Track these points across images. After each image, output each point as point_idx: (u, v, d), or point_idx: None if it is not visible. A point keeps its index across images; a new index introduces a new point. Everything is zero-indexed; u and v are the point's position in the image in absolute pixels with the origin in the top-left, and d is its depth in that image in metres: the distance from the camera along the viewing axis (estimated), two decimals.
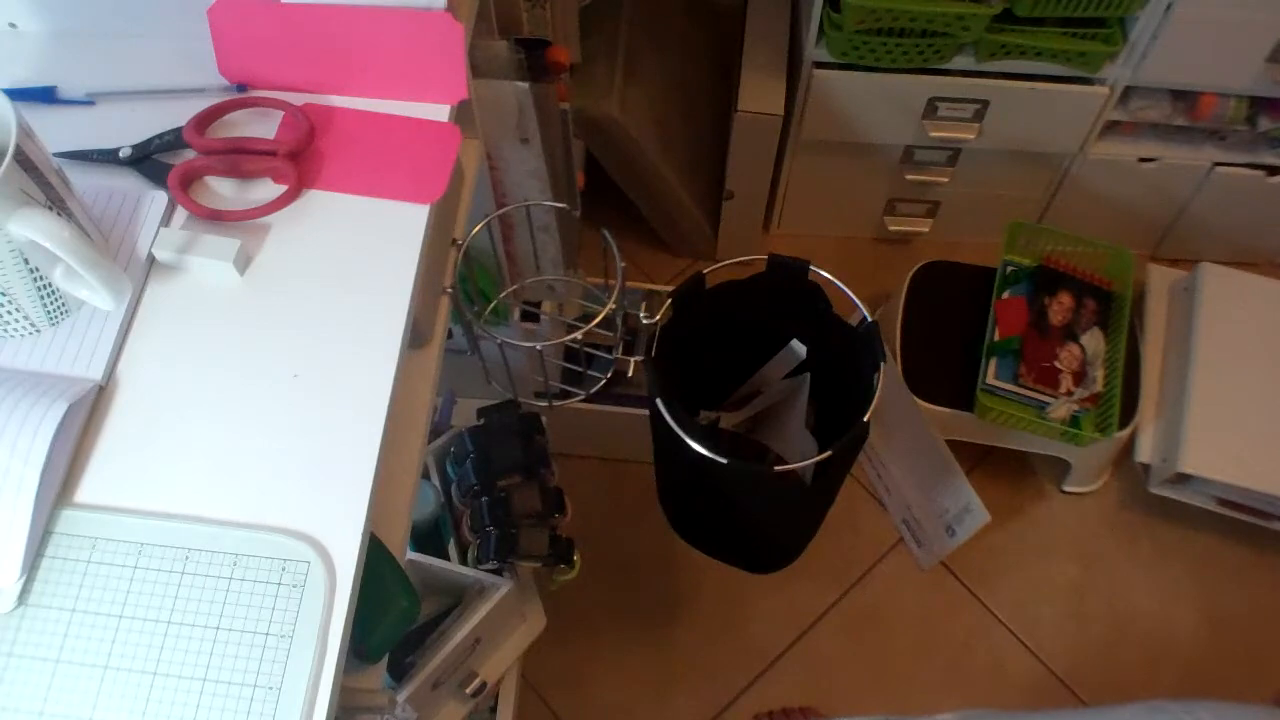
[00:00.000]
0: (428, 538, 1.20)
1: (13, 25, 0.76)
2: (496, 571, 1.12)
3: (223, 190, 0.70)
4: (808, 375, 1.02)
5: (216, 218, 0.68)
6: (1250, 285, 1.56)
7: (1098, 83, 1.45)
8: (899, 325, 1.52)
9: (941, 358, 1.49)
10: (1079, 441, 1.42)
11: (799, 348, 1.01)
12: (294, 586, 0.56)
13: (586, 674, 1.45)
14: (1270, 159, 1.57)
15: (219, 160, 0.70)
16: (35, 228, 0.56)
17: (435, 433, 1.22)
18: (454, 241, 0.85)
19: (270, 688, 0.53)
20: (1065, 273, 1.50)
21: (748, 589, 1.50)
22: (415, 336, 0.78)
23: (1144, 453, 1.51)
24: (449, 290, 0.84)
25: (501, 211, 1.05)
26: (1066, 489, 1.60)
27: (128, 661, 0.54)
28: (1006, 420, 1.41)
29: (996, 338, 1.44)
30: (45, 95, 0.73)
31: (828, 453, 0.87)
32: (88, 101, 0.73)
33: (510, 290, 1.18)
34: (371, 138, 0.72)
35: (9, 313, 0.61)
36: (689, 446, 0.86)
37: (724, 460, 0.85)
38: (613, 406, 1.44)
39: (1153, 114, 1.51)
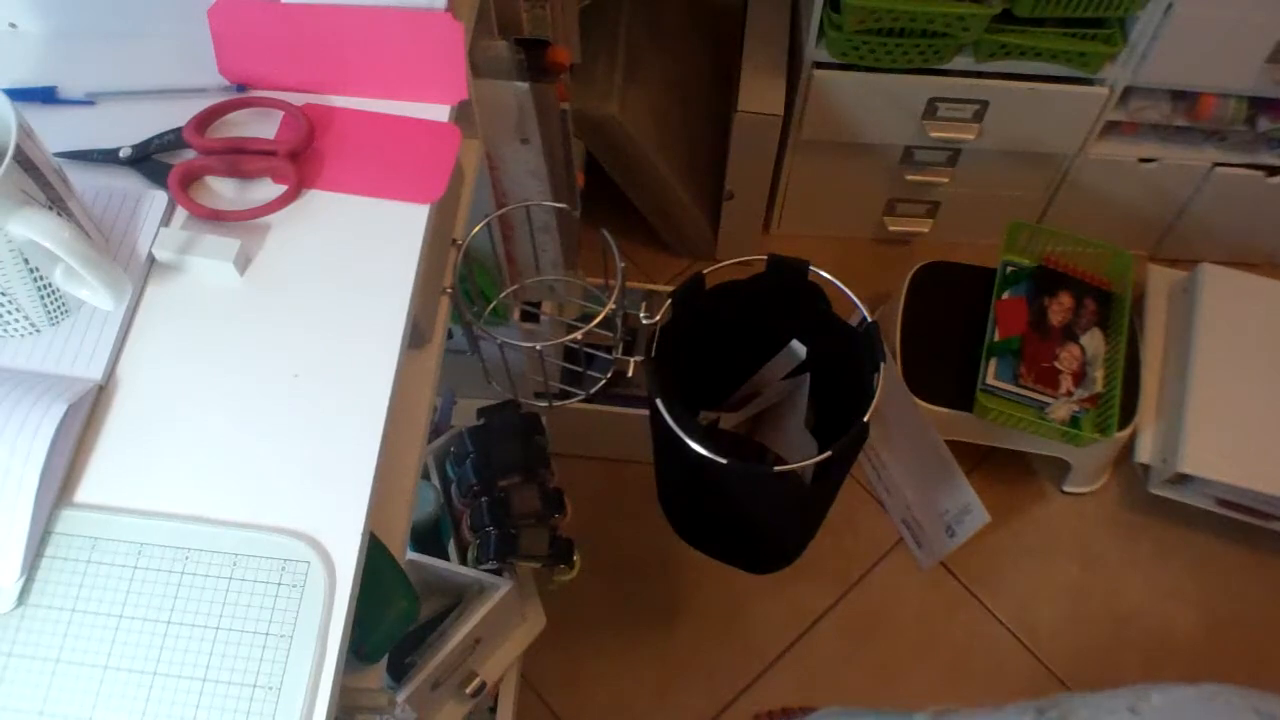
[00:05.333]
0: (428, 538, 1.20)
1: (13, 25, 0.76)
2: (496, 571, 1.12)
3: (223, 190, 0.70)
4: (808, 375, 1.02)
5: (216, 218, 0.68)
6: (1250, 285, 1.56)
7: (1098, 83, 1.45)
8: (899, 325, 1.52)
9: (941, 358, 1.49)
10: (1079, 442, 1.43)
11: (799, 348, 1.01)
12: (294, 586, 0.56)
13: (586, 674, 1.45)
14: (1270, 159, 1.57)
15: (219, 160, 0.70)
16: (35, 228, 0.56)
17: (435, 433, 1.22)
18: (454, 241, 0.85)
19: (270, 688, 0.53)
20: (1065, 273, 1.50)
21: (748, 589, 1.50)
22: (415, 336, 0.78)
23: (1144, 453, 1.51)
24: (449, 290, 0.84)
25: (501, 211, 1.05)
26: (1066, 489, 1.60)
27: (128, 661, 0.54)
28: (1006, 420, 1.41)
29: (996, 338, 1.44)
30: (45, 95, 0.73)
31: (828, 453, 0.87)
32: (88, 101, 0.73)
33: (510, 290, 1.18)
34: (371, 138, 0.72)
35: (9, 313, 0.61)
36: (689, 447, 0.86)
37: (724, 460, 0.85)
38: (613, 406, 1.44)
39: (1153, 114, 1.51)
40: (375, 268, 0.66)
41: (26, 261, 0.59)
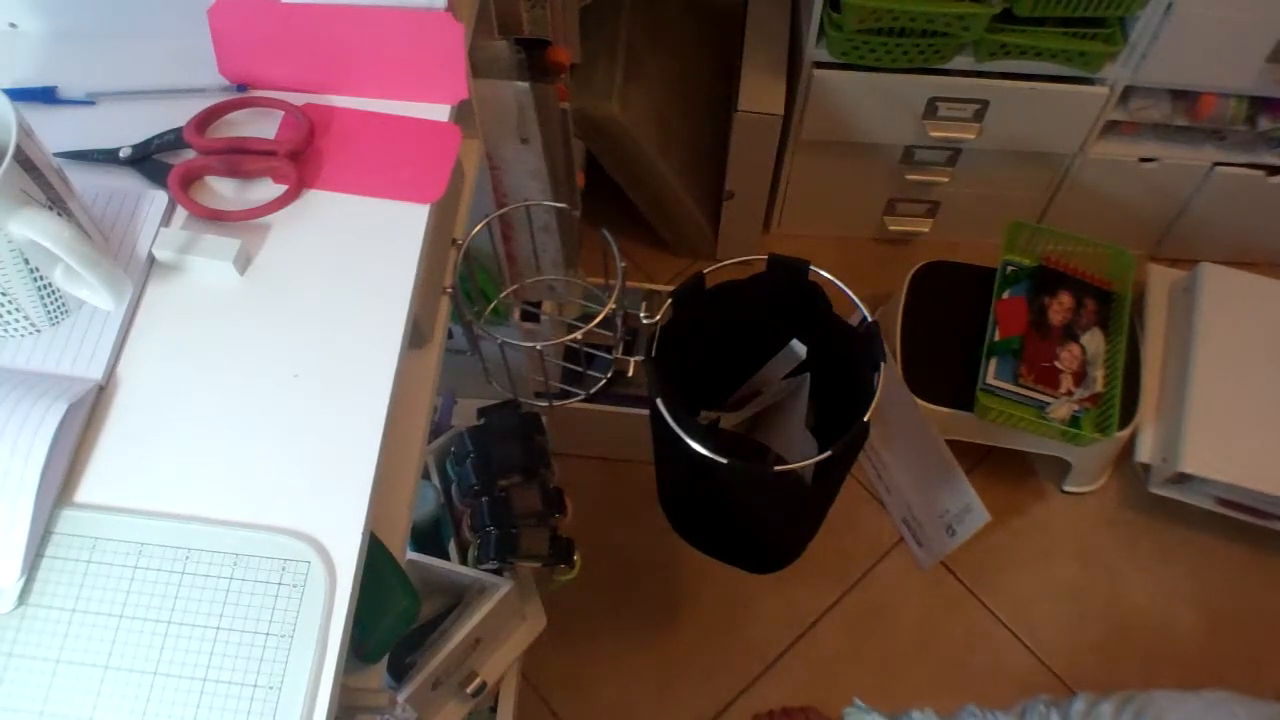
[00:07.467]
0: (428, 538, 1.20)
1: (13, 25, 0.76)
2: (496, 571, 1.12)
3: (223, 190, 0.70)
4: (808, 375, 1.02)
5: (216, 218, 0.68)
6: (1250, 285, 1.56)
7: (1098, 83, 1.45)
8: (899, 325, 1.52)
9: (941, 358, 1.49)
10: (1079, 441, 1.42)
11: (799, 348, 1.01)
12: (294, 586, 0.56)
13: (586, 674, 1.45)
14: (1270, 159, 1.57)
15: (219, 160, 0.70)
16: (36, 228, 0.56)
17: (435, 433, 1.22)
18: (454, 241, 0.85)
19: (270, 688, 0.53)
20: (1065, 273, 1.50)
21: (748, 589, 1.50)
22: (415, 336, 0.78)
23: (1144, 453, 1.51)
24: (449, 290, 0.84)
25: (501, 211, 1.05)
26: (1066, 489, 1.60)
27: (128, 661, 0.54)
28: (1007, 420, 1.41)
29: (997, 338, 1.44)
30: (45, 95, 0.73)
31: (828, 453, 0.87)
32: (88, 101, 0.73)
33: (510, 290, 1.18)
34: (372, 138, 0.72)
35: (9, 313, 0.61)
36: (689, 446, 0.86)
37: (724, 460, 0.85)
38: (613, 406, 1.44)
39: (1153, 114, 1.51)
40: (375, 267, 0.66)
41: (27, 261, 0.59)
